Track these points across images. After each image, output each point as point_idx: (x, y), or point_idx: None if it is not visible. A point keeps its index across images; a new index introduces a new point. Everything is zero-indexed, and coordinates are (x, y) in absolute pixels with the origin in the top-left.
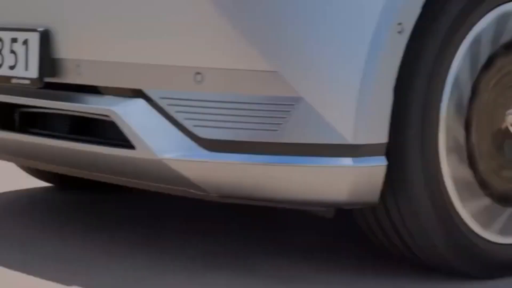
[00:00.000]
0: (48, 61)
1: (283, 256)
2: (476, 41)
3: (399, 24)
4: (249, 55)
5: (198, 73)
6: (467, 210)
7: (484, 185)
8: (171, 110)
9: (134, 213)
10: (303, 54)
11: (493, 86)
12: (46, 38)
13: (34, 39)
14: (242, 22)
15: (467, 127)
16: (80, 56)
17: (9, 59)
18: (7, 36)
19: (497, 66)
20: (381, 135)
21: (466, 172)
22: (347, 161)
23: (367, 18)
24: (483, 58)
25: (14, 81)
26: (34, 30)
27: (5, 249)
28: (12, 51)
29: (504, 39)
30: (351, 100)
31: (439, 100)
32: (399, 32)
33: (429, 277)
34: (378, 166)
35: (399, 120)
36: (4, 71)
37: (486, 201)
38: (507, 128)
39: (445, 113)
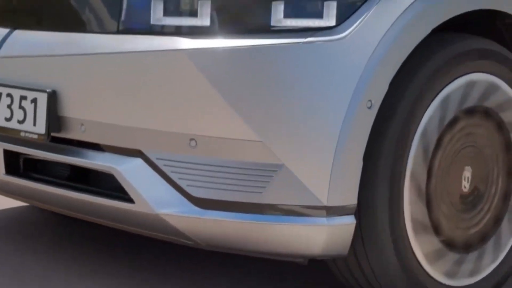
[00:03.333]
0: (55, 118)
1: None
2: (437, 112)
3: (369, 100)
4: (238, 126)
5: (192, 139)
6: (423, 254)
7: (438, 233)
8: (167, 170)
9: (112, 239)
10: (285, 127)
11: (451, 148)
12: (53, 98)
13: (42, 99)
14: (233, 97)
15: (428, 194)
16: (84, 116)
17: (18, 114)
18: (16, 93)
19: (458, 128)
20: (351, 197)
21: (431, 239)
22: (322, 220)
23: (342, 96)
24: (446, 122)
25: (22, 134)
26: (43, 90)
27: None
28: (21, 107)
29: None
30: (326, 168)
31: (404, 169)
32: (369, 108)
33: None
34: (348, 224)
35: (369, 184)
36: (13, 124)
37: (443, 250)
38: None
39: (409, 176)
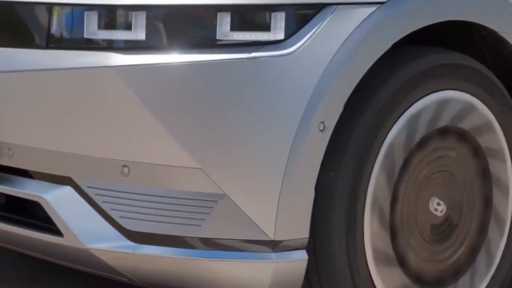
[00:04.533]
0: None
1: None
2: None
3: (322, 122)
4: (175, 152)
5: (125, 166)
6: None
7: (404, 266)
8: (98, 200)
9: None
10: (227, 153)
11: (415, 178)
12: None
13: None
14: (169, 120)
15: (392, 231)
16: (11, 140)
17: None
18: None
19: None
20: (302, 231)
21: (396, 272)
22: (269, 255)
23: (290, 118)
24: (401, 160)
25: None
26: None
27: None
28: None
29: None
30: (273, 198)
31: (364, 197)
32: (322, 130)
33: None
34: (299, 259)
35: (324, 215)
36: None
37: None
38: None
39: (369, 209)
